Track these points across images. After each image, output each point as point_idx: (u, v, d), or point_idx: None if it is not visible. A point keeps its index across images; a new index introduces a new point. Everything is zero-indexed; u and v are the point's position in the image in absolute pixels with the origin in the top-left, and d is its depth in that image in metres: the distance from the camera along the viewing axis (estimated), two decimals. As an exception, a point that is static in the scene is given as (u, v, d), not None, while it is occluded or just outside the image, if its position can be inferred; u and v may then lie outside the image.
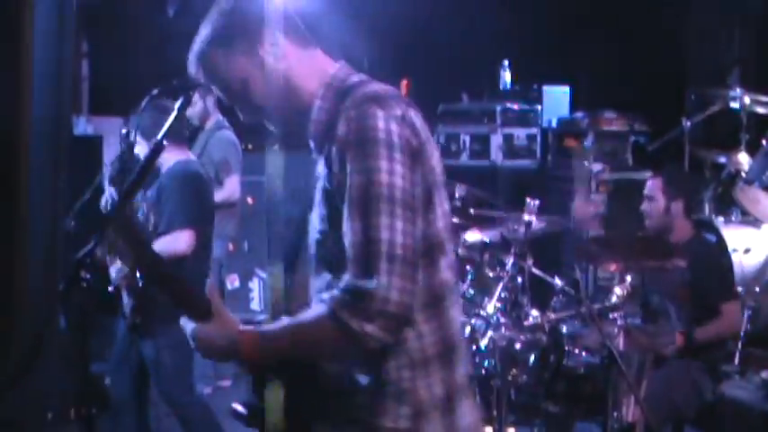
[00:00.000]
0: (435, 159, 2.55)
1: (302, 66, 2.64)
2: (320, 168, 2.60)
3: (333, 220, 2.51)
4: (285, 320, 2.51)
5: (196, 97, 2.64)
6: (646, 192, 5.74)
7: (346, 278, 2.39)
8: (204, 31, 2.64)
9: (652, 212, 5.68)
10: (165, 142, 2.80)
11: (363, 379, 2.52)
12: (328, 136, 2.52)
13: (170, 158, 5.43)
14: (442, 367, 2.55)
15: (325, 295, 2.42)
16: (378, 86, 2.57)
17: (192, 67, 2.67)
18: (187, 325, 2.59)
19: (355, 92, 2.54)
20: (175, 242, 5.25)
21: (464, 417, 2.60)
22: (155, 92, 3.03)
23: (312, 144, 2.67)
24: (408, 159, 2.43)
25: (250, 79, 2.61)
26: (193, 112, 7.03)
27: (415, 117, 2.52)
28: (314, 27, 2.74)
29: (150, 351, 5.36)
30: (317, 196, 2.60)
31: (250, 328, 2.53)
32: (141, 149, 5.30)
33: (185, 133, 5.94)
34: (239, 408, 2.62)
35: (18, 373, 1.61)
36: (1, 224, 1.56)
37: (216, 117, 7.32)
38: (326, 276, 2.58)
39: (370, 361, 2.49)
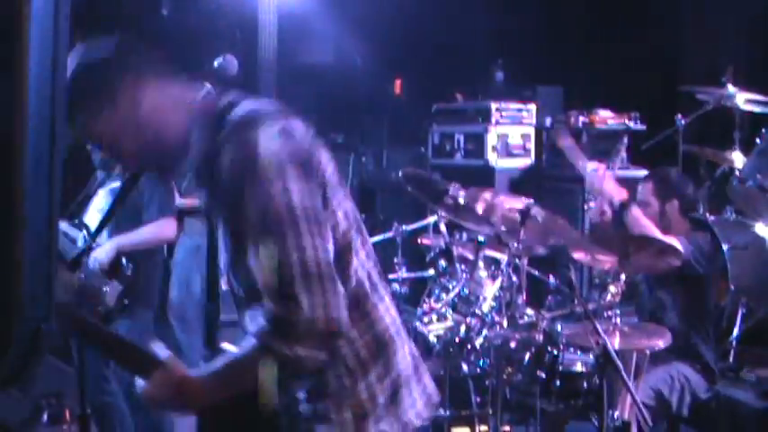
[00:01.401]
0: (325, 160, 2.51)
1: (162, 100, 2.55)
2: (212, 202, 2.57)
3: (234, 250, 2.49)
4: (220, 361, 2.51)
5: None
6: (638, 198, 5.72)
7: (267, 306, 2.37)
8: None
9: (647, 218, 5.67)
10: None
11: (303, 394, 2.53)
12: (211, 167, 2.46)
13: None
14: (380, 365, 2.56)
15: (252, 328, 2.42)
16: (251, 104, 2.51)
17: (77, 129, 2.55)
18: (139, 384, 2.58)
19: (231, 116, 2.48)
20: (165, 228, 5.65)
21: (412, 406, 2.61)
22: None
23: (195, 176, 2.61)
24: (300, 172, 2.40)
25: (118, 134, 2.53)
26: None
27: (295, 125, 2.48)
28: (170, 53, 2.66)
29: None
30: (221, 229, 2.57)
31: (191, 375, 2.51)
32: None
33: None
34: None
35: (14, 373, 1.61)
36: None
37: None
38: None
39: (309, 376, 2.50)
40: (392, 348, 2.60)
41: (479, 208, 5.28)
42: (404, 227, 6.67)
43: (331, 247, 2.43)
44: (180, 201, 6.95)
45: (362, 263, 2.58)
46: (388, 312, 2.62)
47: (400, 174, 6.02)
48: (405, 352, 2.64)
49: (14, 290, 1.63)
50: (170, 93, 2.58)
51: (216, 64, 2.59)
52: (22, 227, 1.55)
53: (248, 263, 2.41)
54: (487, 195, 5.35)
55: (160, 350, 2.59)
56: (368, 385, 2.53)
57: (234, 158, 2.38)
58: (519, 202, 5.13)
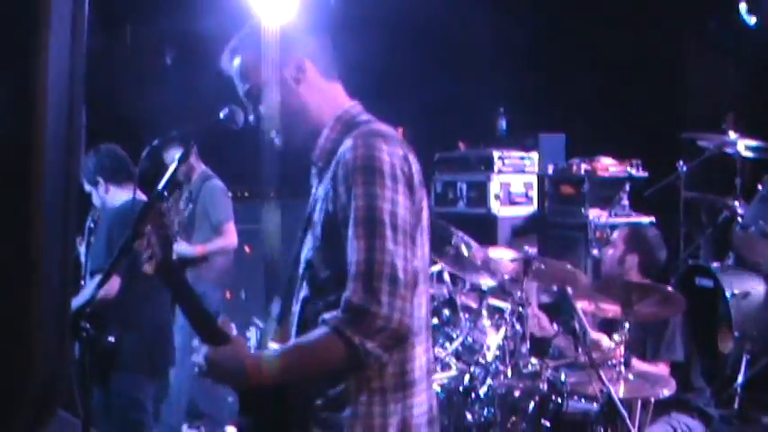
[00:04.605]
0: (425, 204, 2.71)
1: (320, 95, 2.83)
2: (320, 191, 2.75)
3: (326, 241, 2.66)
4: (289, 345, 2.66)
5: (179, 153, 2.67)
6: (612, 238, 5.93)
7: (347, 296, 2.51)
8: (245, 32, 2.85)
9: (607, 258, 5.83)
10: (165, 192, 2.82)
11: (324, 397, 2.64)
12: (332, 160, 2.68)
13: (117, 197, 5.70)
14: (398, 401, 2.66)
15: (327, 316, 2.54)
16: (385, 127, 2.75)
17: (225, 60, 2.89)
18: (200, 349, 2.69)
19: (363, 126, 2.72)
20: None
21: None
22: (155, 143, 3.07)
23: (314, 168, 2.85)
24: (407, 192, 2.60)
25: (266, 89, 2.79)
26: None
27: (414, 162, 2.69)
28: (339, 62, 2.92)
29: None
30: (315, 217, 2.74)
31: (258, 354, 2.70)
32: (94, 194, 5.76)
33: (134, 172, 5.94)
34: (233, 430, 2.75)
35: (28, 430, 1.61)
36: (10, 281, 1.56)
37: (200, 168, 7.42)
38: (304, 294, 2.74)
39: (334, 381, 2.63)
40: (412, 390, 2.68)
41: (479, 260, 5.35)
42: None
43: (414, 264, 2.59)
44: (189, 248, 6.95)
45: (417, 305, 2.67)
46: (421, 356, 2.72)
47: None
48: (423, 399, 2.73)
49: (26, 347, 1.63)
50: (329, 92, 2.86)
51: (221, 115, 2.63)
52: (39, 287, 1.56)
53: (330, 253, 2.62)
54: (483, 253, 5.45)
55: (231, 328, 2.76)
56: (383, 413, 2.62)
57: (357, 154, 2.60)
58: (516, 256, 5.18)
